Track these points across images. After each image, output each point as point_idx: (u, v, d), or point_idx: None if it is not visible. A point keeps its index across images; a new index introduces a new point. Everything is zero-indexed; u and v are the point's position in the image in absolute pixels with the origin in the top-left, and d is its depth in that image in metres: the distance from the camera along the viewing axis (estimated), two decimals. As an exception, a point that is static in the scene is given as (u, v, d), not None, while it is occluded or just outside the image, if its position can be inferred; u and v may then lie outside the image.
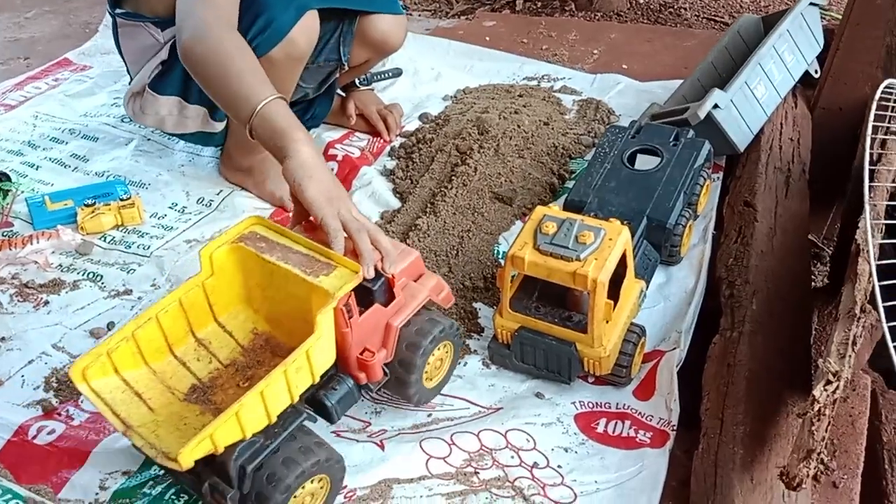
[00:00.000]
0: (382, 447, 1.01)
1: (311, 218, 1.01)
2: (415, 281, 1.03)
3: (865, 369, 1.27)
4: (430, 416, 1.07)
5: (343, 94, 1.74)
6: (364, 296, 0.95)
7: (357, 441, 1.02)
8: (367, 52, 1.57)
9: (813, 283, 1.64)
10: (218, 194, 1.52)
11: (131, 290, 1.27)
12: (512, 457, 1.01)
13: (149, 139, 1.66)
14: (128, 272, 1.31)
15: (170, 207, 1.48)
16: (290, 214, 1.13)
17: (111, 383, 0.90)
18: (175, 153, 1.63)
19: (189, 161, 1.61)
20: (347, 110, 1.70)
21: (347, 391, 0.95)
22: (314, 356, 0.89)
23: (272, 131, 1.04)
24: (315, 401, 0.94)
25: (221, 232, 1.39)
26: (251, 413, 0.83)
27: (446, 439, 1.02)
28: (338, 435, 1.03)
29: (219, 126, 1.46)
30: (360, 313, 0.94)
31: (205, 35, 1.14)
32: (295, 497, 0.87)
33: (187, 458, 0.77)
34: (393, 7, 1.55)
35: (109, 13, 1.46)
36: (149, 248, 1.37)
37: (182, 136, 1.55)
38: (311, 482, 0.89)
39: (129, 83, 1.50)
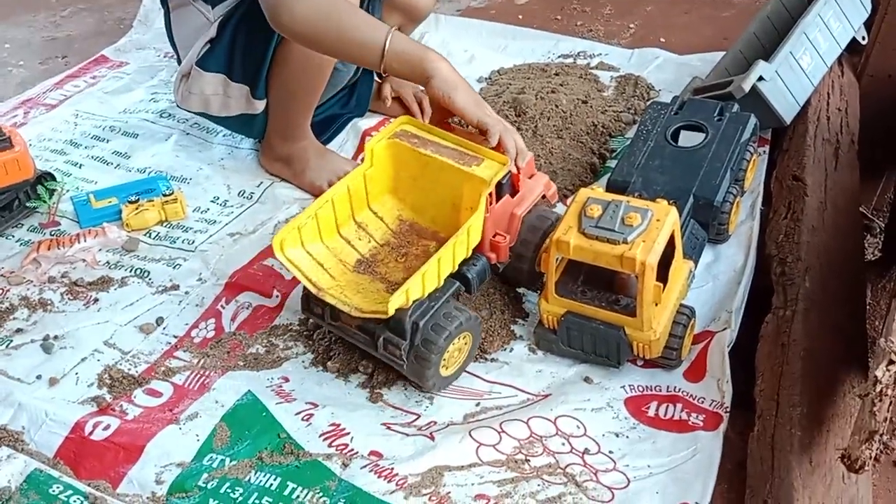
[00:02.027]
0: (432, 438, 1.01)
1: (451, 122, 1.18)
2: (528, 178, 1.17)
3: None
4: (478, 405, 1.07)
5: (380, 80, 1.74)
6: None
7: (407, 435, 1.02)
8: (396, 18, 1.56)
9: (865, 256, 1.61)
10: (258, 186, 1.52)
11: (178, 286, 1.29)
12: (563, 444, 1.00)
13: (188, 134, 1.68)
14: (174, 267, 1.33)
15: (212, 201, 1.49)
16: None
17: (300, 254, 1.08)
18: (214, 146, 1.64)
19: (228, 154, 1.62)
20: (383, 92, 1.70)
21: (483, 267, 1.11)
22: (473, 233, 1.06)
23: (406, 62, 1.13)
24: (458, 275, 1.08)
25: (264, 224, 1.43)
26: (431, 276, 1.01)
27: (496, 427, 1.01)
28: (388, 427, 1.03)
29: (260, 106, 1.46)
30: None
31: None
32: (447, 351, 1.04)
33: (392, 307, 0.95)
34: None
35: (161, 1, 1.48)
36: (193, 242, 1.38)
37: (224, 124, 1.56)
38: (459, 339, 1.05)
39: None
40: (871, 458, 0.79)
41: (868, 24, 1.57)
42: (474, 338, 1.10)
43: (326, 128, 1.64)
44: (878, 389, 0.78)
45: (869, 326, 1.25)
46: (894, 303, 0.88)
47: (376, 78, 1.74)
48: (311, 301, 1.10)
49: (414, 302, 1.00)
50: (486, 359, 1.14)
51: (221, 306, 1.25)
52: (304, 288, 1.08)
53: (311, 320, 1.21)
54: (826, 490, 0.87)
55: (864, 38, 1.56)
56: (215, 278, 1.30)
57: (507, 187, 1.13)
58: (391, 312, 0.96)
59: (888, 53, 1.58)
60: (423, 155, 1.12)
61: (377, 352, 1.04)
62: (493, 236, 1.12)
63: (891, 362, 0.78)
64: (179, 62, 1.52)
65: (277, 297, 1.26)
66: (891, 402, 0.82)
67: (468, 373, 1.12)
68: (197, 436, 1.02)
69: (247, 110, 1.48)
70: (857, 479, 0.89)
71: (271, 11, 1.17)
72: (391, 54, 1.12)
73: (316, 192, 1.49)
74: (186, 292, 1.28)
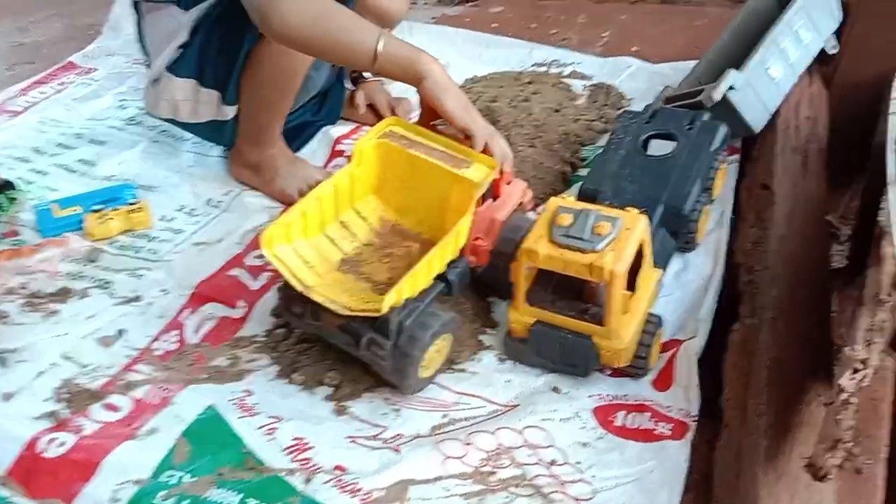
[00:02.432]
0: (398, 451, 0.99)
1: (437, 124, 1.18)
2: (507, 184, 1.19)
3: (886, 351, 1.24)
4: (445, 416, 1.05)
5: (353, 88, 1.72)
6: None
7: (373, 448, 1.00)
8: None
9: (831, 264, 1.61)
10: (226, 194, 1.50)
11: (141, 297, 1.26)
12: (530, 455, 0.99)
13: (156, 141, 1.65)
14: (137, 278, 1.30)
15: (178, 210, 1.46)
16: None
17: (287, 251, 1.07)
18: (183, 154, 1.62)
19: (197, 161, 1.60)
20: (356, 100, 1.69)
21: (464, 269, 1.12)
22: (461, 234, 1.07)
23: (399, 63, 1.13)
24: (440, 277, 1.09)
25: (231, 233, 1.41)
26: (422, 276, 1.02)
27: (463, 439, 1.00)
28: (353, 441, 1.01)
29: (230, 112, 1.44)
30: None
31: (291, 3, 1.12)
32: (429, 352, 1.04)
33: (386, 305, 0.96)
34: None
35: (132, 2, 1.47)
36: (158, 252, 1.36)
37: (193, 130, 1.54)
38: (441, 339, 1.06)
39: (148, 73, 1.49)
40: (835, 466, 0.78)
41: (838, 34, 1.58)
42: (452, 341, 1.10)
43: (297, 135, 1.63)
44: (842, 398, 0.78)
45: (835, 334, 1.26)
46: (859, 311, 0.87)
47: (349, 85, 1.73)
48: (290, 300, 1.09)
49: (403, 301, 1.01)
50: (454, 369, 1.13)
51: (185, 318, 1.22)
52: (283, 287, 1.09)
53: (277, 330, 1.19)
54: (790, 499, 0.86)
55: (834, 48, 1.57)
56: (180, 289, 1.27)
57: (489, 192, 1.15)
58: (385, 310, 0.96)
59: (858, 63, 1.59)
60: (412, 156, 1.13)
61: (359, 351, 1.03)
62: (475, 240, 1.13)
63: (855, 371, 0.78)
64: (149, 65, 1.50)
65: (243, 307, 1.24)
66: (855, 411, 0.82)
67: (436, 384, 1.10)
68: (156, 452, 0.99)
69: (217, 116, 1.46)
70: (821, 488, 0.88)
71: (261, 16, 1.15)
72: (384, 56, 1.12)
73: (286, 201, 1.48)
74: (149, 303, 1.25)
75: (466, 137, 1.15)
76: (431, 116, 1.19)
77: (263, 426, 1.03)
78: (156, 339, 1.19)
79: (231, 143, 1.54)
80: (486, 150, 1.14)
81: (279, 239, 1.06)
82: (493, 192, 1.16)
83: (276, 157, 1.49)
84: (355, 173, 1.14)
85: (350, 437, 1.02)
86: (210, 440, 1.01)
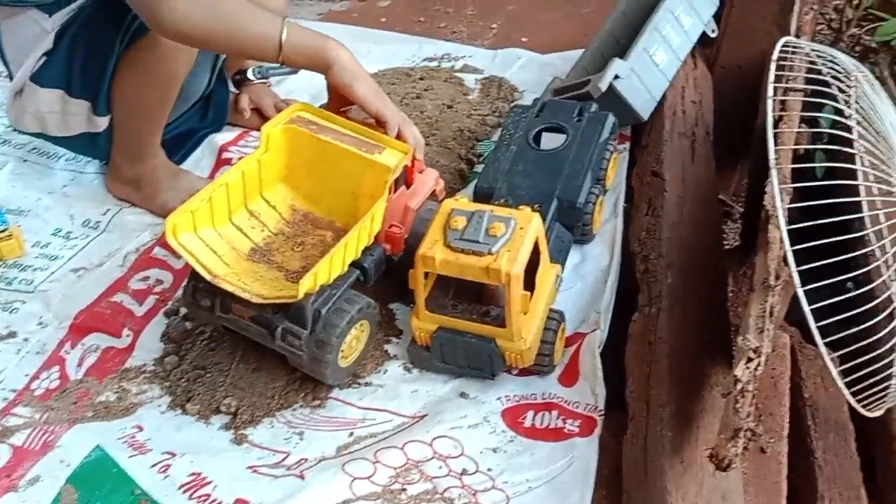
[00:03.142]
0: (303, 477, 0.95)
1: (346, 110, 1.16)
2: (419, 172, 1.18)
3: (783, 325, 1.28)
4: (351, 434, 1.02)
5: (236, 91, 1.65)
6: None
7: (275, 476, 0.96)
8: None
9: (725, 243, 1.66)
10: (105, 214, 1.41)
11: (15, 332, 1.17)
12: (440, 467, 0.97)
13: (25, 161, 1.53)
14: (10, 312, 1.20)
15: (53, 234, 1.36)
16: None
17: (192, 239, 1.03)
18: (56, 173, 1.51)
19: (72, 180, 1.50)
20: (241, 104, 1.61)
21: (380, 257, 1.10)
22: (376, 220, 1.04)
23: (305, 52, 1.09)
24: (356, 264, 1.06)
25: (111, 255, 1.32)
26: (337, 261, 0.99)
27: (370, 458, 0.96)
28: (255, 471, 0.97)
29: (102, 123, 1.35)
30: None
31: None
32: (346, 341, 1.02)
33: (302, 290, 0.93)
34: None
35: None
36: (32, 282, 1.26)
37: (65, 145, 1.44)
38: (358, 327, 1.04)
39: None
40: (737, 455, 0.79)
41: (717, 17, 1.62)
42: (371, 328, 1.08)
43: (180, 145, 1.54)
44: (739, 387, 0.79)
45: (732, 314, 1.28)
46: (751, 298, 0.89)
47: (232, 88, 1.65)
48: (197, 293, 1.05)
49: (318, 288, 0.99)
50: (359, 384, 1.09)
51: (66, 352, 1.14)
52: (190, 279, 1.05)
53: (167, 358, 1.13)
54: (699, 489, 0.87)
55: (713, 31, 1.61)
56: (58, 321, 1.19)
57: (402, 180, 1.13)
58: (301, 296, 0.93)
59: (737, 45, 1.63)
60: (321, 141, 1.09)
61: (274, 343, 1.01)
62: (389, 227, 1.12)
63: (749, 360, 0.79)
64: (12, 79, 1.38)
65: (128, 336, 1.17)
66: (753, 396, 0.83)
67: (340, 400, 1.06)
68: (39, 503, 0.92)
69: (89, 129, 1.37)
70: (728, 474, 0.90)
71: (151, 14, 1.07)
72: (289, 46, 1.08)
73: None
74: (25, 339, 1.16)
75: (379, 124, 1.12)
76: (341, 103, 1.15)
77: (157, 463, 0.97)
78: (35, 378, 1.11)
79: (107, 157, 1.45)
80: (398, 137, 1.12)
81: (184, 227, 1.01)
82: (405, 180, 1.15)
83: (156, 169, 1.41)
84: (263, 159, 1.10)
85: (251, 466, 0.97)
86: (99, 484, 0.94)
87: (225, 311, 1.03)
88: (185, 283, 1.08)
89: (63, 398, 1.07)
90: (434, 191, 1.20)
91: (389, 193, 1.08)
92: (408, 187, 1.16)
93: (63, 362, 1.13)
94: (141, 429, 1.02)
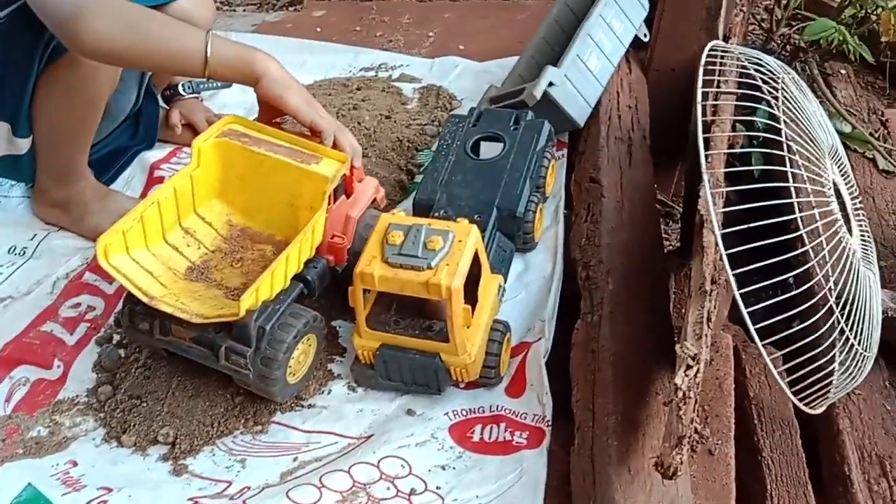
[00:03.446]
0: (245, 507, 0.92)
1: (279, 122, 1.14)
2: (358, 181, 1.16)
3: (726, 324, 1.30)
4: (295, 459, 0.99)
5: (167, 107, 1.61)
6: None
7: (216, 508, 0.93)
8: None
9: (667, 244, 1.68)
10: (32, 239, 1.35)
11: (-64, 368, 1.11)
12: (388, 488, 0.95)
13: (-56, 186, 1.47)
14: (-69, 347, 1.14)
15: (-24, 262, 1.31)
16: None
17: (125, 261, 1.00)
18: (-22, 199, 1.45)
19: (-5, 205, 1.44)
20: (171, 120, 1.57)
21: (323, 269, 1.09)
22: (317, 231, 1.03)
23: (232, 66, 1.07)
24: (299, 277, 1.05)
25: (40, 283, 1.27)
26: (279, 276, 0.97)
27: (315, 483, 0.94)
28: (195, 502, 0.93)
29: (24, 145, 1.30)
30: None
31: (99, 9, 1.02)
32: (293, 357, 1.01)
33: (244, 307, 0.91)
34: None
35: None
36: (-46, 314, 1.21)
37: None
38: (305, 341, 1.03)
39: None
40: (682, 462, 0.79)
41: (649, 22, 1.64)
42: (318, 342, 1.07)
43: (109, 164, 1.50)
44: (680, 395, 0.79)
45: (676, 316, 1.30)
46: (688, 304, 0.89)
47: (162, 104, 1.61)
48: (134, 317, 1.02)
49: (261, 304, 0.97)
50: (302, 406, 1.07)
51: (-8, 387, 1.09)
52: (125, 302, 1.03)
53: (101, 388, 1.09)
54: (647, 497, 0.87)
55: (645, 36, 1.62)
56: (-17, 356, 1.13)
57: (341, 189, 1.12)
58: (242, 313, 0.91)
59: (670, 49, 1.65)
60: (255, 153, 1.07)
61: (218, 363, 0.99)
62: (332, 238, 1.11)
63: (688, 367, 0.79)
64: None
65: (59, 367, 1.12)
66: (696, 402, 0.84)
67: (283, 425, 1.04)
68: (-36, 551, 0.87)
69: (10, 151, 1.31)
70: (675, 480, 0.90)
71: (69, 35, 1.03)
72: (214, 60, 1.05)
73: (101, 240, 1.35)
74: (-52, 377, 1.11)
75: (314, 133, 1.11)
76: (272, 115, 1.13)
77: (93, 500, 0.93)
78: (-41, 415, 1.05)
79: (32, 180, 1.39)
80: (334, 146, 1.11)
81: (116, 247, 0.99)
82: (345, 189, 1.14)
83: (84, 191, 1.36)
84: (195, 175, 1.08)
85: (192, 498, 0.94)
86: (30, 526, 0.90)
87: (164, 333, 1.01)
88: (119, 307, 1.05)
89: (-10, 436, 1.02)
90: (374, 199, 1.19)
91: (329, 204, 1.07)
92: (348, 196, 1.14)
93: (-11, 398, 1.07)
94: (75, 464, 0.99)
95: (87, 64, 1.19)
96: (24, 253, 1.33)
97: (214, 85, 1.74)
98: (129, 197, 1.42)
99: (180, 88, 1.58)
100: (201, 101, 1.65)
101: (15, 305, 1.22)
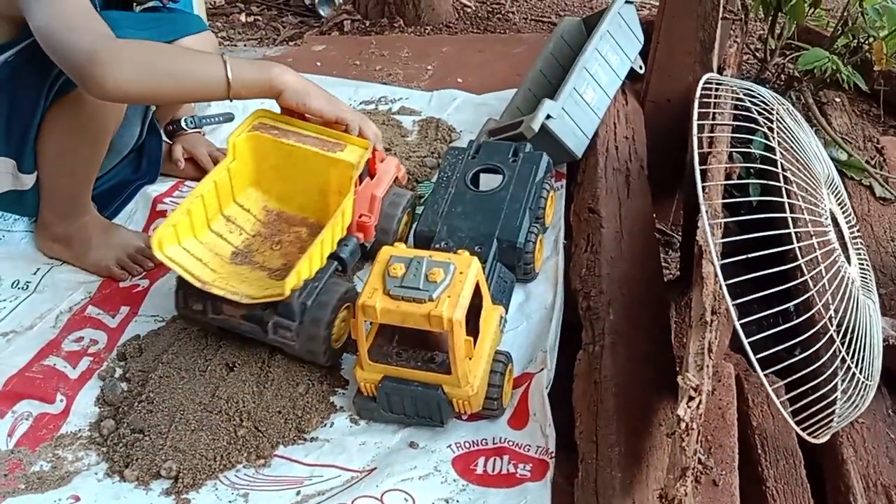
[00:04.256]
0: (247, 542, 0.92)
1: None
2: (380, 162, 1.27)
3: (728, 353, 1.30)
4: (298, 493, 0.99)
5: (170, 142, 1.62)
6: None
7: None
8: None
9: (667, 273, 1.68)
10: (35, 273, 1.36)
11: (-61, 404, 1.11)
12: (391, 522, 0.94)
13: (-51, 222, 1.48)
14: (-66, 382, 1.14)
15: (-20, 297, 1.31)
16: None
17: (178, 251, 1.11)
18: (-20, 233, 1.45)
19: (-1, 240, 1.44)
20: (174, 154, 1.58)
21: (354, 246, 1.21)
22: (346, 214, 1.15)
23: (252, 86, 1.12)
24: (333, 256, 1.16)
25: (43, 317, 1.27)
26: (316, 257, 1.09)
27: (317, 517, 0.94)
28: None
29: (29, 181, 1.31)
30: None
31: (116, 55, 1.04)
32: (335, 325, 1.11)
33: (288, 287, 1.02)
34: (194, 26, 1.45)
35: None
36: (-43, 349, 1.21)
37: None
38: (343, 311, 1.13)
39: None
40: (686, 494, 0.79)
41: (643, 54, 1.66)
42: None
43: (112, 198, 1.51)
44: (682, 426, 0.79)
45: (677, 345, 1.30)
46: (689, 334, 0.90)
47: (165, 139, 1.62)
48: (188, 299, 1.13)
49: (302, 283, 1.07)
50: (304, 439, 1.07)
51: (-5, 421, 1.09)
52: (179, 287, 1.13)
53: (104, 421, 1.09)
54: (651, 529, 0.86)
55: (641, 68, 1.65)
56: (-12, 390, 1.13)
57: (366, 172, 1.22)
58: (287, 293, 1.02)
59: (665, 80, 1.67)
60: (285, 145, 1.17)
61: (267, 337, 1.10)
62: (360, 217, 1.22)
63: (690, 398, 0.79)
64: None
65: (62, 401, 1.12)
66: (699, 433, 0.84)
67: (286, 458, 1.04)
68: (-35, 589, 0.87)
69: (14, 186, 1.32)
70: (679, 510, 0.90)
71: (92, 84, 1.04)
72: (236, 83, 1.10)
73: (103, 273, 1.36)
74: (-49, 410, 1.10)
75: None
76: (296, 115, 1.20)
77: (95, 535, 0.93)
78: (-38, 451, 1.05)
79: (36, 214, 1.40)
80: (359, 135, 1.20)
81: (168, 240, 1.10)
82: (369, 171, 1.25)
83: (87, 226, 1.37)
84: (232, 167, 1.18)
85: (198, 533, 0.94)
86: (31, 564, 0.89)
87: (216, 312, 1.11)
88: (175, 291, 1.15)
89: (-8, 472, 1.02)
90: (396, 177, 1.31)
91: (355, 187, 1.16)
92: (371, 178, 1.26)
93: (-8, 433, 1.07)
94: (78, 499, 0.98)
95: (93, 101, 1.20)
96: (28, 287, 1.34)
97: (217, 119, 1.76)
98: (131, 231, 1.43)
99: (183, 123, 1.60)
100: (203, 135, 1.67)
101: (18, 339, 1.22)
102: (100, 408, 1.12)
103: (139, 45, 1.09)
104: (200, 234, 1.15)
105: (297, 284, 1.05)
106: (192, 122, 1.62)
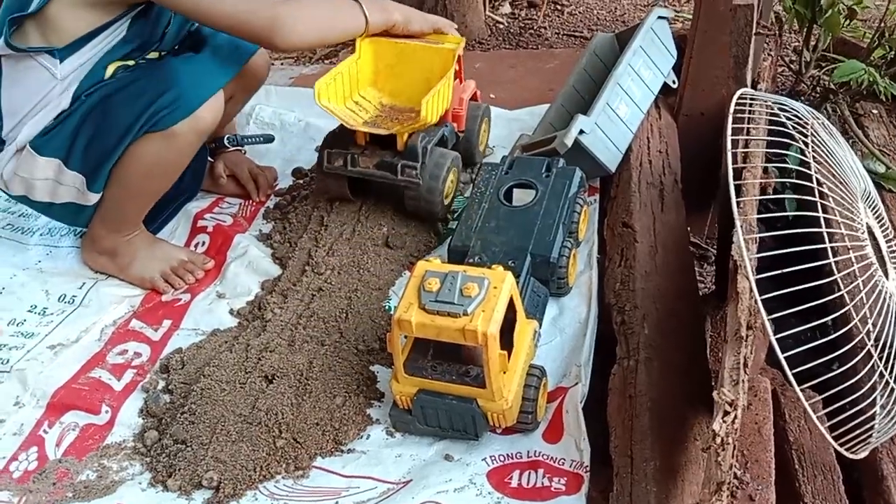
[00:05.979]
0: (287, 551, 0.94)
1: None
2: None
3: (764, 368, 1.29)
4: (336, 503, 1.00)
5: (211, 159, 1.66)
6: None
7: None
8: (231, 88, 1.47)
9: (702, 286, 1.67)
10: (81, 287, 1.40)
11: (-8, 415, 1.15)
12: (427, 533, 0.96)
13: (-1, 237, 1.53)
14: (-14, 394, 1.19)
15: (29, 311, 1.35)
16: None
17: (330, 104, 1.40)
18: (30, 249, 1.50)
19: (47, 255, 1.49)
20: (216, 171, 1.62)
21: (451, 129, 1.49)
22: (449, 85, 1.42)
23: (379, 26, 1.43)
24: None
25: (88, 330, 1.31)
26: (444, 96, 1.40)
27: (355, 527, 0.95)
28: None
29: (93, 198, 1.34)
30: None
31: (295, 13, 1.28)
32: (447, 181, 1.41)
33: (424, 112, 1.32)
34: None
35: None
36: (8, 361, 1.25)
37: (46, 211, 1.41)
38: (453, 172, 1.44)
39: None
40: (722, 508, 0.79)
41: (676, 68, 1.66)
42: (458, 175, 1.47)
43: (156, 215, 1.54)
44: (718, 441, 0.79)
45: (713, 359, 1.29)
46: (724, 349, 0.90)
47: (208, 157, 1.66)
48: (330, 156, 1.41)
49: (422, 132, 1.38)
50: (342, 451, 1.09)
51: (44, 431, 1.13)
52: (323, 147, 1.43)
53: (148, 432, 1.12)
54: (686, 543, 0.86)
55: (674, 82, 1.65)
56: (35, 400, 1.18)
57: (456, 74, 1.47)
58: (425, 115, 1.32)
59: (699, 93, 1.67)
60: (398, 43, 1.47)
61: (396, 179, 1.38)
62: (455, 108, 1.51)
63: (726, 413, 0.79)
64: (1, 129, 1.33)
65: (108, 412, 1.16)
66: (734, 448, 0.84)
67: (324, 470, 1.06)
68: None
69: (77, 200, 1.36)
70: (715, 526, 0.90)
71: (279, 41, 1.27)
72: (371, 26, 1.40)
73: (146, 286, 1.40)
74: (2, 420, 1.15)
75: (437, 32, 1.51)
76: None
77: (139, 543, 0.95)
78: (13, 459, 1.09)
79: (86, 226, 1.43)
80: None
81: (325, 93, 1.38)
82: (457, 75, 1.50)
83: (133, 240, 1.41)
84: (358, 63, 1.46)
85: (237, 542, 0.96)
86: (79, 569, 0.92)
87: (353, 165, 1.40)
88: (318, 150, 1.45)
89: (42, 479, 1.06)
90: (475, 93, 1.61)
91: (457, 72, 1.47)
92: (460, 83, 1.54)
93: (42, 442, 1.11)
94: (122, 508, 1.01)
95: (182, 138, 1.27)
96: (74, 301, 1.38)
97: (258, 140, 1.80)
98: (174, 245, 1.47)
99: (225, 141, 1.64)
100: (244, 153, 1.71)
101: (65, 352, 1.26)
102: (143, 419, 1.15)
103: (304, 3, 1.30)
104: (339, 105, 1.41)
105: (430, 113, 1.32)
106: (233, 140, 1.66)
